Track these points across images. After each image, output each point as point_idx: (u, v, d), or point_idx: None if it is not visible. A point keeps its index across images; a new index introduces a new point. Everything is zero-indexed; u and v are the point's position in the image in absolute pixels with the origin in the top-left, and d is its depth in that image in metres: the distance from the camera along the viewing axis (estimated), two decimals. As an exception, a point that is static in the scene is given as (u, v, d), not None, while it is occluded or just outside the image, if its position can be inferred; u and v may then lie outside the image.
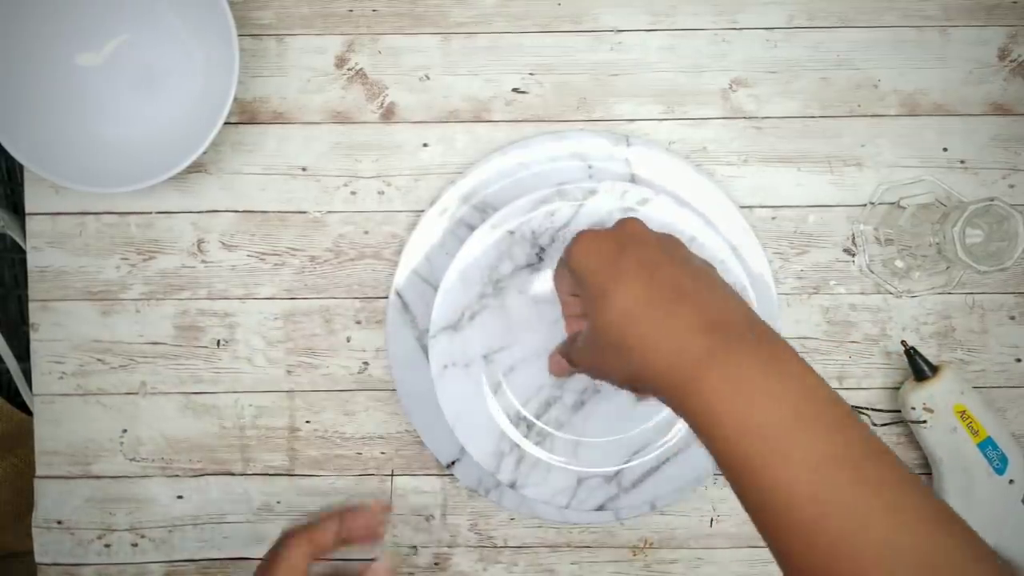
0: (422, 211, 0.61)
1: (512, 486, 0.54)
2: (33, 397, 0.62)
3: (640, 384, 0.41)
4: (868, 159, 0.61)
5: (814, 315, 0.61)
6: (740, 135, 0.61)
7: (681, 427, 0.54)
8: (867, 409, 0.61)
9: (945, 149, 0.61)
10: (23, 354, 0.71)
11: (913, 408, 0.58)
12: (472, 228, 0.55)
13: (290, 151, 0.61)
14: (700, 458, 0.54)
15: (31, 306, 0.62)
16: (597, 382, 0.54)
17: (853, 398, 0.61)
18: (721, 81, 0.61)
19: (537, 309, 0.54)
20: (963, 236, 0.51)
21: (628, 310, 0.39)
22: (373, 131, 0.61)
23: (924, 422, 0.58)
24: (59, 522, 0.62)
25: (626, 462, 0.54)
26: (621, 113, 0.61)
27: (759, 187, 0.61)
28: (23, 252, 0.63)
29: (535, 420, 0.54)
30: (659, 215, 0.53)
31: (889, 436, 0.61)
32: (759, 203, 0.61)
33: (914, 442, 0.60)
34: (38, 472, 0.62)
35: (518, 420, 0.54)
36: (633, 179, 0.58)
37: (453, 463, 0.59)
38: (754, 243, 0.58)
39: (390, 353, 0.59)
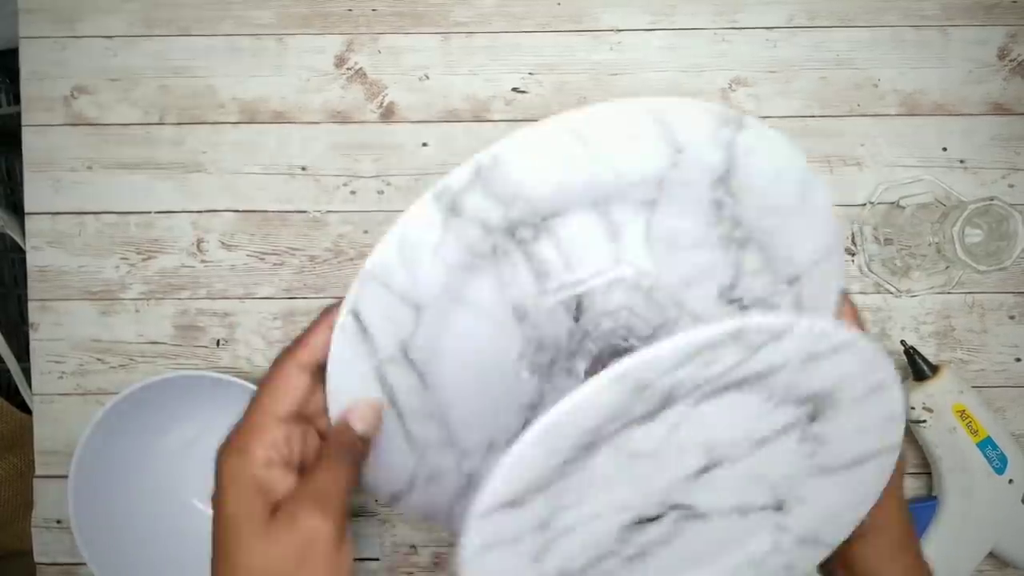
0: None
1: None
2: (33, 397, 0.62)
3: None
4: (868, 159, 0.61)
5: (814, 315, 0.61)
6: (740, 135, 0.61)
7: None
8: (867, 409, 0.61)
9: (945, 149, 0.61)
10: (23, 354, 0.71)
11: (913, 408, 0.58)
12: (489, 229, 0.40)
13: (290, 151, 0.61)
14: None
15: (31, 306, 0.62)
16: (674, 534, 0.41)
17: (853, 398, 0.61)
18: (721, 81, 0.61)
19: (630, 466, 0.38)
20: (963, 236, 0.51)
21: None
22: (373, 131, 0.61)
23: (924, 422, 0.57)
24: (59, 522, 0.62)
25: None
26: (621, 113, 0.61)
27: (759, 187, 0.61)
28: (23, 252, 0.63)
29: (579, 574, 0.40)
30: (848, 363, 0.38)
31: (889, 436, 0.61)
32: (759, 203, 0.61)
33: (914, 442, 0.60)
34: (38, 472, 0.62)
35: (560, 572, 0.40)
36: (728, 171, 0.41)
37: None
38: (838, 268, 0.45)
39: (330, 391, 0.40)
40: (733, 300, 0.44)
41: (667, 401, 0.36)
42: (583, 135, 0.39)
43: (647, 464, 0.38)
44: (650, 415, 0.36)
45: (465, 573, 0.37)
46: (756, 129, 0.40)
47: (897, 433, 0.40)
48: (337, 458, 0.38)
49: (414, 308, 0.41)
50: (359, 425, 0.39)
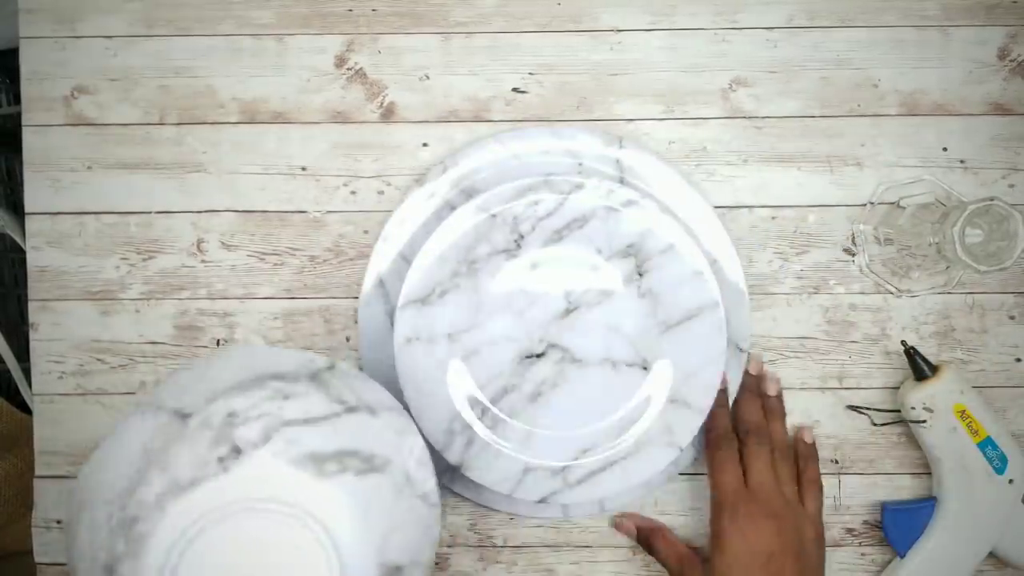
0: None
1: (459, 467, 0.55)
2: (33, 397, 0.62)
3: None
4: (868, 159, 0.61)
5: (814, 315, 0.61)
6: (740, 135, 0.61)
7: (634, 433, 0.55)
8: (867, 409, 0.61)
9: (945, 149, 0.61)
10: (23, 354, 0.71)
11: (913, 408, 0.58)
12: (452, 207, 0.56)
13: (290, 151, 0.61)
14: (648, 464, 0.55)
15: (31, 306, 0.62)
16: (560, 375, 0.55)
17: (853, 398, 0.61)
18: (721, 81, 0.61)
19: (507, 296, 0.54)
20: (963, 236, 0.51)
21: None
22: (373, 131, 0.61)
23: (924, 422, 0.58)
24: (59, 522, 0.62)
25: (575, 459, 0.55)
26: (621, 113, 0.61)
27: (759, 187, 0.61)
28: (23, 252, 0.63)
29: (490, 405, 0.55)
30: (642, 218, 0.54)
31: (889, 436, 0.61)
32: (759, 203, 0.61)
33: (914, 442, 0.60)
34: (38, 472, 0.62)
35: (473, 403, 0.55)
36: (622, 181, 0.58)
37: None
38: (732, 255, 0.59)
39: (360, 326, 0.59)
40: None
41: (517, 233, 0.54)
42: (508, 144, 0.59)
43: (519, 298, 0.54)
44: (511, 250, 0.54)
45: (397, 362, 0.54)
46: (632, 148, 0.58)
47: (709, 288, 0.54)
48: None
49: (408, 262, 0.57)
50: None
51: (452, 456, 0.54)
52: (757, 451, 0.56)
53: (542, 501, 0.55)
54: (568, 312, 0.55)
